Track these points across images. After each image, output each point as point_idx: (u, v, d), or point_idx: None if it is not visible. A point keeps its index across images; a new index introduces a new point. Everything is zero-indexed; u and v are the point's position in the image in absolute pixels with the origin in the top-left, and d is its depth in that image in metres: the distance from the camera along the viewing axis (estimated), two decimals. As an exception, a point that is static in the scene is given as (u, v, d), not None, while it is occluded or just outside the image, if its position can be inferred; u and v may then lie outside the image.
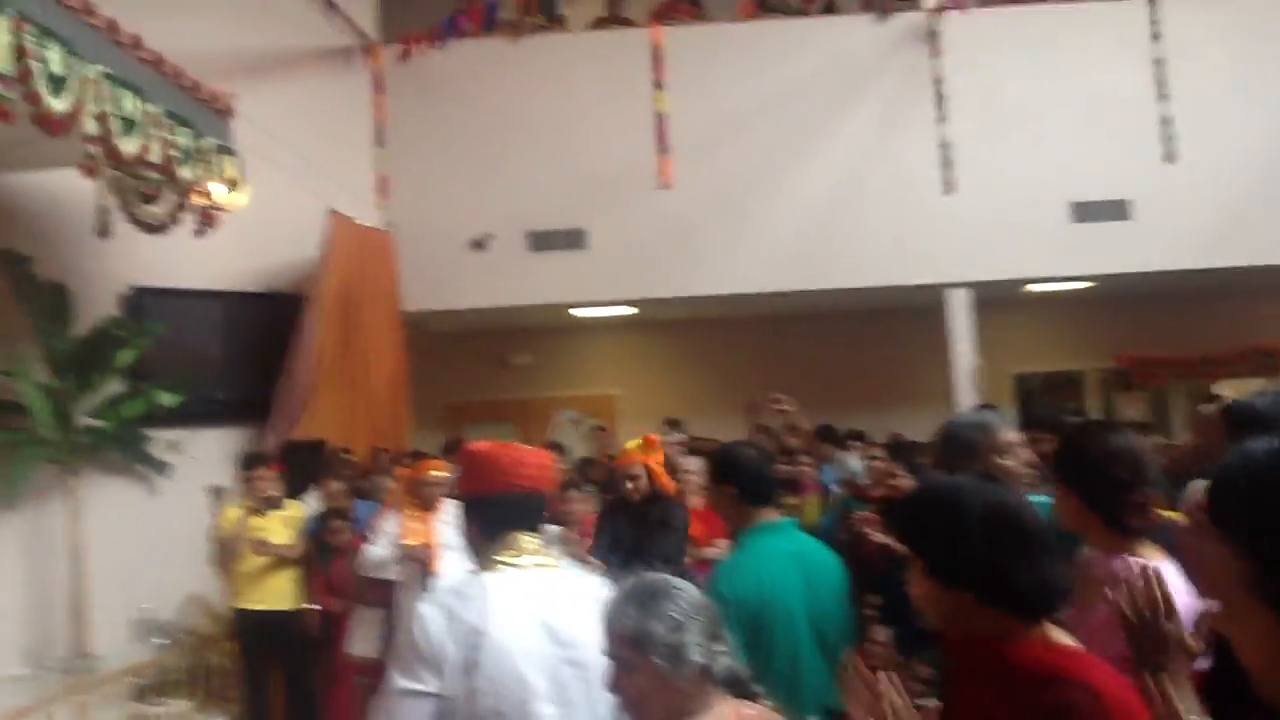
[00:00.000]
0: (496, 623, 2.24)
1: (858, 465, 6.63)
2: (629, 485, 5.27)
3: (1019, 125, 9.76)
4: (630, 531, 5.07)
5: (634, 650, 1.97)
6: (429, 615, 2.26)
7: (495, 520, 2.41)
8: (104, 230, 6.98)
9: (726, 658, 2.00)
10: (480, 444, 2.53)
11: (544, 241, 9.88)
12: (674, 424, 9.65)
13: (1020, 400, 12.44)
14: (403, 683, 2.22)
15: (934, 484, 1.98)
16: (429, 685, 2.20)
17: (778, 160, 9.86)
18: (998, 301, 10.48)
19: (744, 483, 3.21)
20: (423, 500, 5.90)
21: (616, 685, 2.02)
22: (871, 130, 9.90)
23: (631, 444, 5.63)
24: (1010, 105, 9.79)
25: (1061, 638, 1.78)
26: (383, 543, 5.88)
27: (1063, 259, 9.80)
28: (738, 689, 1.99)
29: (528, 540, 2.41)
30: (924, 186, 9.75)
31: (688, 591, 2.04)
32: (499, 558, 2.38)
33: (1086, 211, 9.73)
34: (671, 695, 1.96)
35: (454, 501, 5.88)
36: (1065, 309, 12.04)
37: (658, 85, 9.81)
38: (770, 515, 3.20)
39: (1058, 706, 1.64)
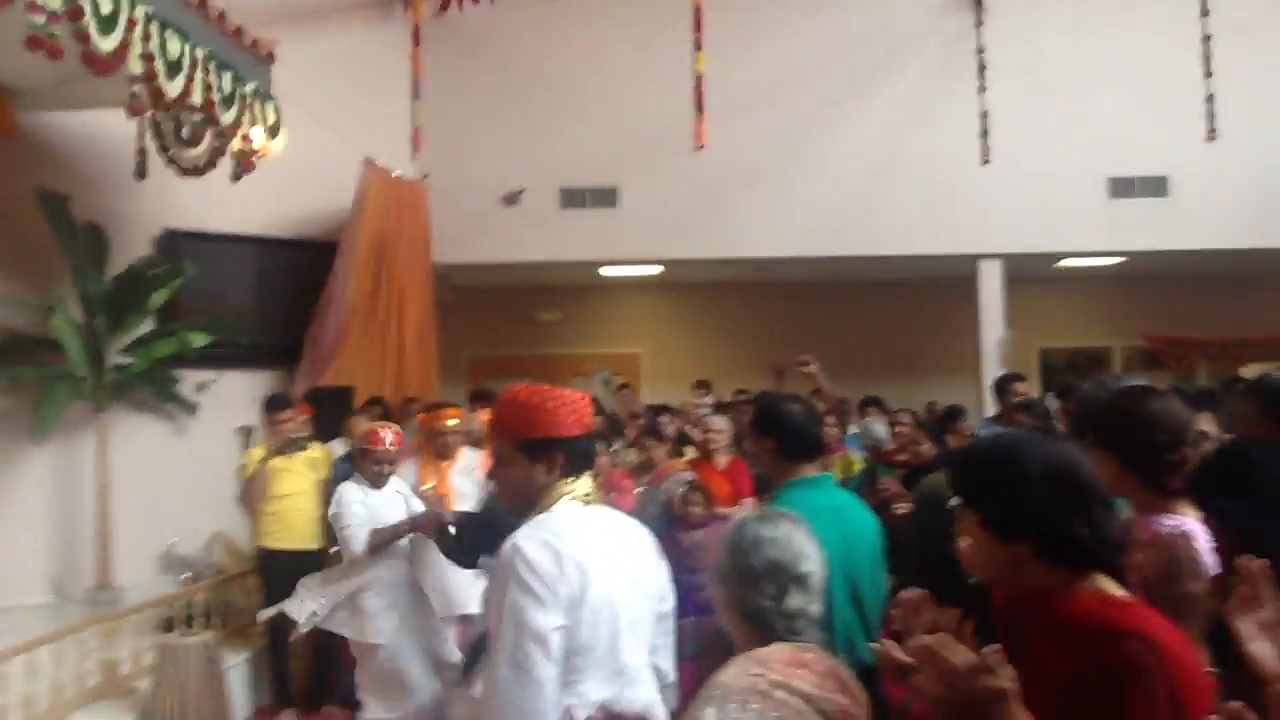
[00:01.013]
0: (594, 555, 2.25)
1: (883, 431, 6.63)
2: None
3: (1061, 97, 9.68)
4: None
5: (717, 588, 2.15)
6: (535, 552, 2.21)
7: (573, 459, 2.41)
8: (142, 172, 7.05)
9: (792, 606, 2.07)
10: (535, 388, 2.49)
11: (576, 199, 9.87)
12: (704, 385, 9.68)
13: (1044, 376, 12.40)
14: (542, 619, 2.16)
15: (991, 438, 1.96)
16: (560, 619, 2.17)
17: (815, 124, 9.81)
18: (1028, 275, 10.41)
19: (787, 437, 3.21)
20: (439, 449, 5.89)
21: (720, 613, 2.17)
22: (911, 98, 9.83)
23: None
24: (1053, 77, 9.70)
25: (1115, 590, 1.76)
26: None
27: (1098, 234, 9.74)
28: (799, 636, 2.03)
29: (586, 480, 2.44)
30: (962, 156, 9.69)
31: (796, 547, 2.13)
32: (568, 496, 2.38)
33: (1124, 187, 9.66)
34: (741, 633, 2.10)
35: (470, 450, 5.92)
36: (1096, 285, 11.96)
37: (697, 46, 9.75)
38: (809, 470, 3.20)
39: (1117, 660, 1.61)
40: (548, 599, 2.17)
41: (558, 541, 2.24)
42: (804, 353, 7.18)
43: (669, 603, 2.50)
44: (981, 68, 9.69)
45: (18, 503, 7.12)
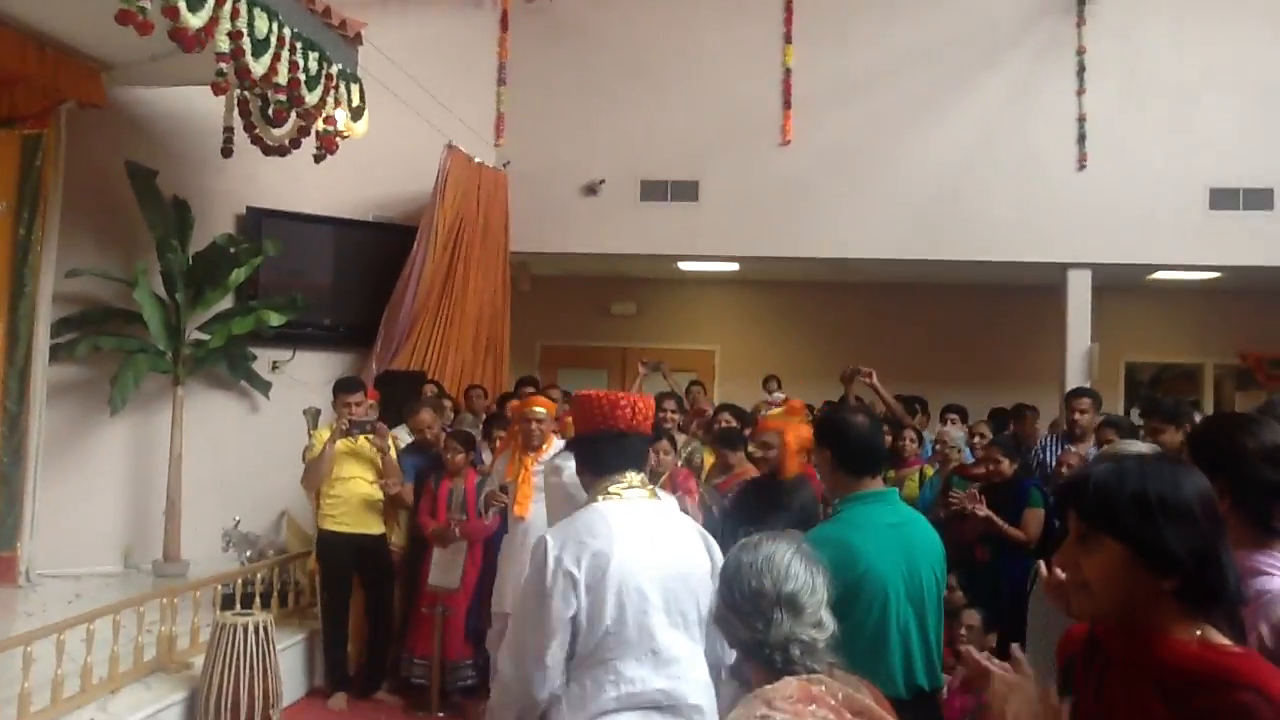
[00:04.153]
0: (620, 544, 2.45)
1: (963, 442, 6.41)
2: (757, 453, 4.89)
3: (1163, 102, 9.32)
4: (752, 503, 4.72)
5: (721, 620, 2.03)
6: (558, 547, 2.45)
7: (601, 458, 2.67)
8: (228, 150, 7.11)
9: (781, 634, 1.89)
10: (588, 390, 2.79)
11: (656, 191, 9.78)
12: (773, 381, 9.54)
13: (1129, 389, 12.02)
14: (549, 610, 2.40)
15: (1132, 461, 1.77)
16: (570, 608, 2.41)
17: (904, 124, 9.58)
18: (1117, 284, 10.08)
19: (845, 451, 3.08)
20: (525, 438, 5.66)
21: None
22: (1005, 99, 9.54)
23: (775, 411, 5.31)
24: (1154, 81, 9.35)
25: (1219, 637, 1.63)
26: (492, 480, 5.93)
27: (1195, 247, 9.35)
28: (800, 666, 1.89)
29: (632, 475, 2.66)
30: (1056, 160, 9.39)
31: (776, 569, 1.94)
32: (611, 489, 2.61)
33: (1226, 198, 9.26)
34: (750, 669, 1.97)
35: (560, 440, 5.83)
36: (1188, 298, 11.52)
37: (787, 38, 9.58)
38: (873, 484, 3.07)
39: (1229, 712, 1.51)
40: (557, 591, 2.40)
41: (582, 534, 2.48)
42: (881, 356, 7.04)
43: None
44: (1081, 69, 9.38)
45: (94, 472, 7.28)
